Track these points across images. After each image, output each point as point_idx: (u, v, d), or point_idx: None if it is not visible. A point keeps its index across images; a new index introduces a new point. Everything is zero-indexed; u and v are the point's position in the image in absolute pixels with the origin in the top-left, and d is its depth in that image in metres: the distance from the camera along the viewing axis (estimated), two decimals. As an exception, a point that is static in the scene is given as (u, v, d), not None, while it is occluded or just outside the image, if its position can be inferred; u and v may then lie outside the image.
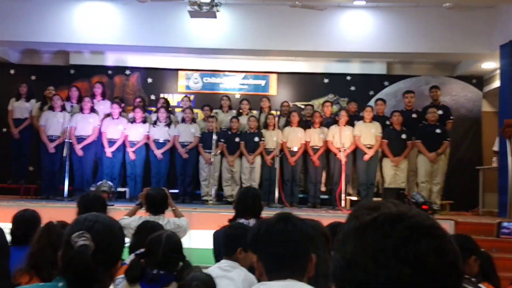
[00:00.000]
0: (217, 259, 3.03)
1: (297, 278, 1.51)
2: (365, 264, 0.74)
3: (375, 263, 0.73)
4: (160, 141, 7.85)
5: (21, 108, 8.01)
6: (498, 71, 8.15)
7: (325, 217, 5.77)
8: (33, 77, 9.34)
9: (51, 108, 7.71)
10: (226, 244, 2.72)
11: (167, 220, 3.92)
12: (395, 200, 0.83)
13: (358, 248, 0.75)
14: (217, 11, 6.63)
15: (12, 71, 9.52)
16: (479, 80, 9.36)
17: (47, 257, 2.01)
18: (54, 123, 7.61)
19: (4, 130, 8.92)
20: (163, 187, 4.45)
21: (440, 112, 7.73)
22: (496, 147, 7.70)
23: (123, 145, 7.88)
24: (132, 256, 2.92)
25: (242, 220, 3.36)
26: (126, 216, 3.97)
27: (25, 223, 2.98)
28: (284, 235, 1.54)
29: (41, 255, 2.10)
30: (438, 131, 7.44)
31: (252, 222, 3.33)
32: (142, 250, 2.60)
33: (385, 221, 0.75)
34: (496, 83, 8.52)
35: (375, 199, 7.71)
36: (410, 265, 0.71)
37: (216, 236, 3.28)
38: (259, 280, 1.70)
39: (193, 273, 2.37)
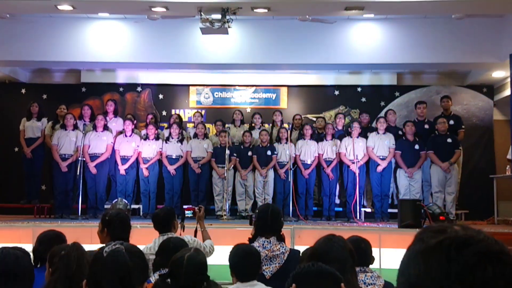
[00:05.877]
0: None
1: None
2: None
3: None
4: (173, 157, 7.86)
5: (32, 127, 8.01)
6: (508, 80, 8.14)
7: (341, 230, 5.73)
8: (44, 96, 9.37)
9: (63, 127, 7.72)
10: (248, 270, 2.77)
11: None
12: (463, 223, 0.81)
13: (423, 272, 0.74)
14: (229, 27, 6.61)
15: (23, 91, 9.58)
16: (490, 89, 9.34)
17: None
18: (67, 142, 7.62)
19: (16, 149, 8.95)
20: (200, 206, 4.45)
21: (452, 122, 7.72)
22: (509, 155, 7.65)
23: (136, 162, 7.90)
24: (156, 275, 2.92)
25: (262, 239, 3.30)
26: None
27: (48, 242, 2.98)
28: (307, 276, 1.66)
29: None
30: (449, 140, 7.44)
31: (273, 240, 3.28)
32: (166, 270, 2.58)
33: (451, 245, 0.74)
34: (507, 92, 8.51)
35: (390, 210, 7.69)
36: None
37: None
38: None
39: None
